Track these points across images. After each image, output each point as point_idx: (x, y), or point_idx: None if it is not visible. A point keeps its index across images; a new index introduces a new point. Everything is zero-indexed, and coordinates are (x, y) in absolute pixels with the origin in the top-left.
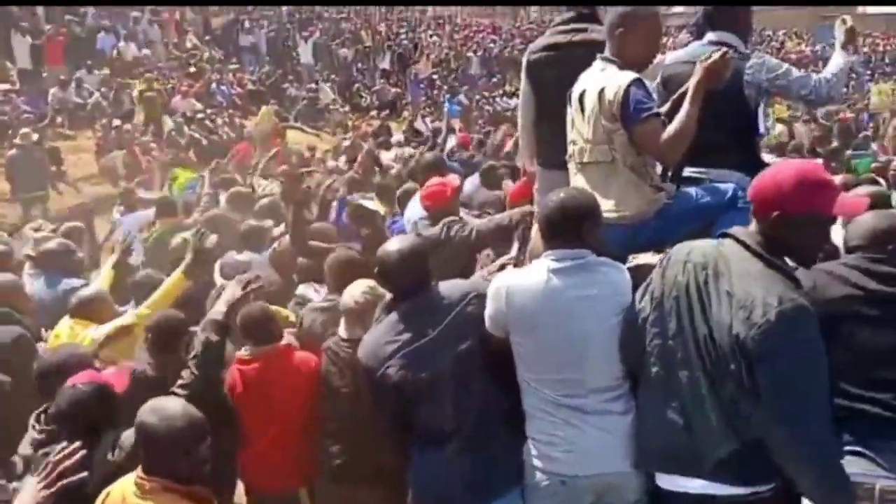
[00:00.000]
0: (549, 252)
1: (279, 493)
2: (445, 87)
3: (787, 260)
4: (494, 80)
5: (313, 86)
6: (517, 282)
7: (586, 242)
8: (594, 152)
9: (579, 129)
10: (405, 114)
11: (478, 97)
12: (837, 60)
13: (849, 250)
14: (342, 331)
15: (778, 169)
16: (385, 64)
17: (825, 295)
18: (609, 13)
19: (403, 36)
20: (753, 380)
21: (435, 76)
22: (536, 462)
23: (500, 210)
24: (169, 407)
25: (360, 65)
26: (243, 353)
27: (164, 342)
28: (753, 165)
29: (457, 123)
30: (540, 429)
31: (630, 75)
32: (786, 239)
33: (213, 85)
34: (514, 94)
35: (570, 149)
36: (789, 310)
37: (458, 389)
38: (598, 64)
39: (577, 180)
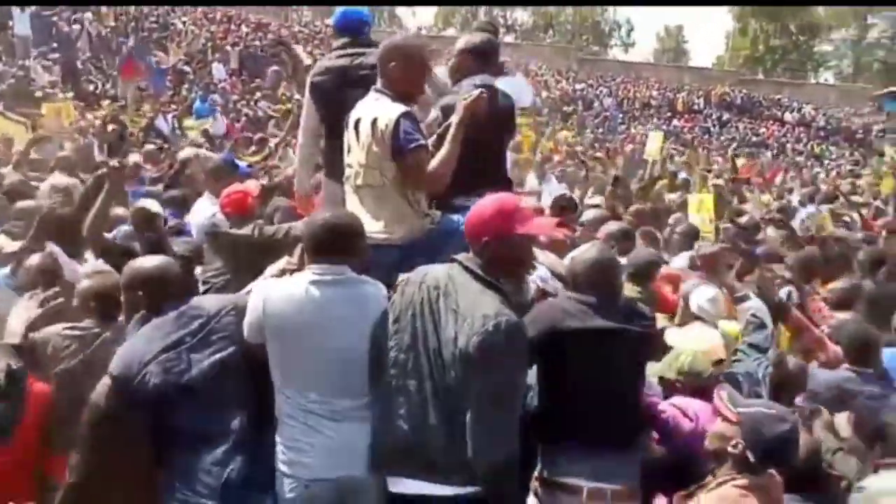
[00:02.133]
0: (312, 266)
1: None
2: (197, 82)
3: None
4: (252, 80)
5: (26, 62)
6: (277, 291)
7: (348, 261)
8: (367, 176)
9: (355, 153)
10: (145, 107)
11: (235, 98)
12: None
13: (575, 285)
14: None
15: (481, 203)
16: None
17: (559, 327)
18: (381, 47)
19: (154, 19)
20: (468, 385)
21: (187, 67)
22: (283, 467)
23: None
24: None
25: (95, 45)
26: None
27: None
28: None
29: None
30: (289, 435)
31: (401, 108)
32: (496, 260)
33: None
34: (279, 100)
35: (347, 171)
36: (503, 323)
37: (216, 395)
38: (372, 94)
39: (353, 201)
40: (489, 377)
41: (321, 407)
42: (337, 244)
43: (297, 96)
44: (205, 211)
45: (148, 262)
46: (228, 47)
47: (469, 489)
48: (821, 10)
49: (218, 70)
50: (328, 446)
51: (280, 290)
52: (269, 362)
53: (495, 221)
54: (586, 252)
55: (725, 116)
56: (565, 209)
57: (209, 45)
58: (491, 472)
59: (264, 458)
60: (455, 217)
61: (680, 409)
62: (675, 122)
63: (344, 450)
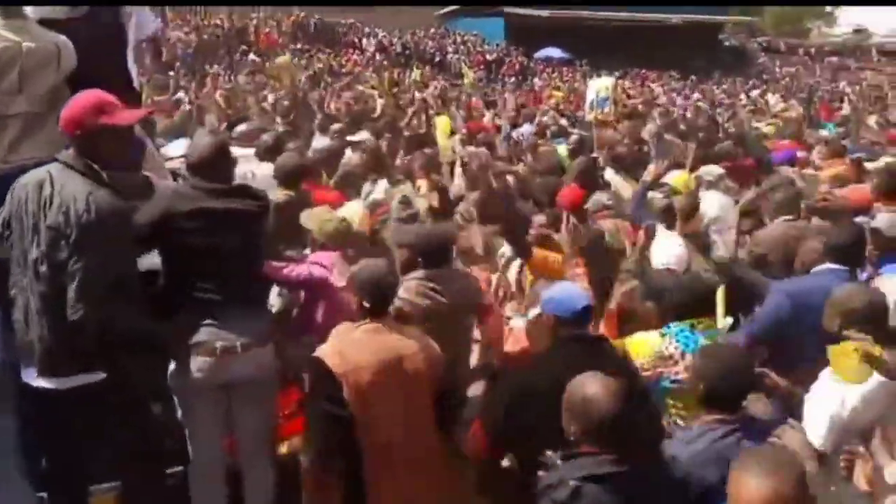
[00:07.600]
0: None
1: None
2: None
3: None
4: None
5: None
6: None
7: None
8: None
9: None
10: None
11: None
12: None
13: (194, 172)
14: None
15: (74, 98)
16: None
17: (173, 210)
18: None
19: None
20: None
21: None
22: None
23: None
24: None
25: None
26: None
27: None
28: None
29: None
30: None
31: None
32: (90, 151)
33: None
34: None
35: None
36: (102, 205)
37: None
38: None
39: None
40: (89, 254)
41: None
42: None
43: None
44: None
45: None
46: None
47: (75, 381)
48: None
49: None
50: None
51: None
52: None
53: (83, 115)
54: (203, 141)
55: (303, 46)
56: None
57: None
58: (93, 340)
59: None
60: None
61: (315, 262)
62: (252, 56)
63: None
